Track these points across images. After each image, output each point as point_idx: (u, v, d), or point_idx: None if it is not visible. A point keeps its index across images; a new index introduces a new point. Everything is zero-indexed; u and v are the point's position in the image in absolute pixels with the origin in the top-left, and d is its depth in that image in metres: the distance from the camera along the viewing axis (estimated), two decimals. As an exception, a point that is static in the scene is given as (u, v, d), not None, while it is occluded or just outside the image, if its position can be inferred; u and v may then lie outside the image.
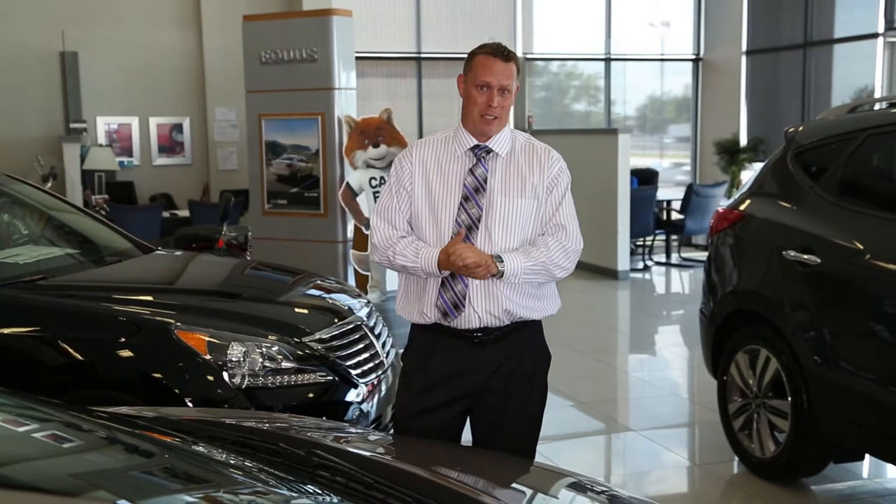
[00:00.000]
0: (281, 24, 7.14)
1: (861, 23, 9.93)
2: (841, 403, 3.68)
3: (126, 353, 3.45)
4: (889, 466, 4.24)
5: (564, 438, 4.80)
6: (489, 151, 2.76)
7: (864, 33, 9.86)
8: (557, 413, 4.83)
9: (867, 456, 4.11)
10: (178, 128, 10.74)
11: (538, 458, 2.89)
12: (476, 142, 2.75)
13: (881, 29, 9.63)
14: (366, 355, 3.80)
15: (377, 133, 6.63)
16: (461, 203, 2.71)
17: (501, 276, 2.65)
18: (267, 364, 3.43)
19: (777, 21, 11.21)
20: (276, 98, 6.97)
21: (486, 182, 2.73)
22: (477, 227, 2.70)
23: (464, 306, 2.70)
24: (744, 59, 11.56)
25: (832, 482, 4.17)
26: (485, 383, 2.75)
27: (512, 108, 2.85)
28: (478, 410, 2.80)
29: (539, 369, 2.85)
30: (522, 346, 2.80)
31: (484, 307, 2.71)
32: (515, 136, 2.83)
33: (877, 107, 4.32)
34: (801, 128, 4.36)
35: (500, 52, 2.71)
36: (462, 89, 2.78)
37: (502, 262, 2.65)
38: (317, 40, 6.80)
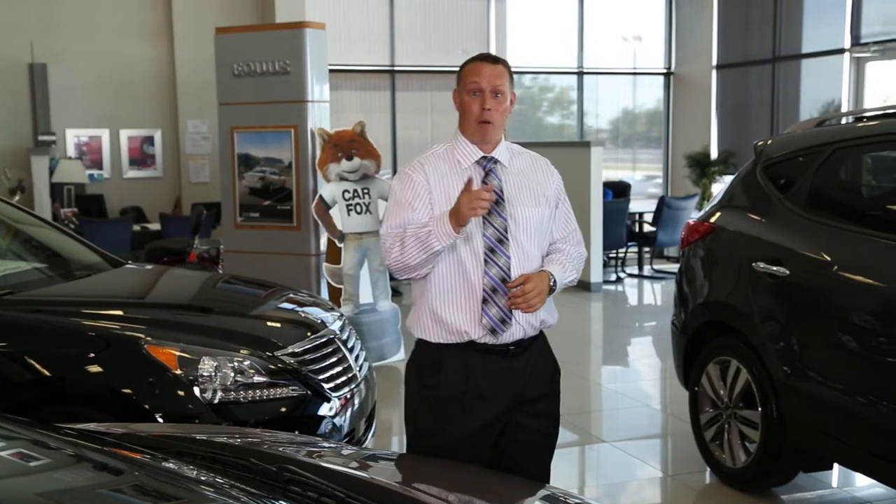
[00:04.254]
0: (254, 37, 7.12)
1: (828, 38, 10.08)
2: (809, 413, 3.72)
3: (95, 369, 3.41)
4: (857, 475, 4.29)
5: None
6: (496, 161, 2.74)
7: (831, 49, 10.01)
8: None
9: (835, 465, 4.15)
10: (150, 140, 10.66)
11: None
12: (482, 153, 2.73)
13: (847, 45, 9.78)
14: (339, 369, 3.78)
15: (350, 146, 6.62)
16: (484, 217, 2.65)
17: (552, 293, 2.69)
18: (239, 378, 3.41)
19: (746, 36, 11.35)
20: (248, 110, 6.95)
21: (502, 192, 2.71)
22: (507, 240, 2.68)
23: (510, 320, 2.68)
24: (714, 73, 11.69)
25: (802, 491, 4.21)
26: (521, 393, 2.74)
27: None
28: (512, 423, 2.76)
29: (556, 374, 2.88)
30: (544, 353, 2.83)
31: (525, 318, 2.71)
32: (512, 146, 2.84)
33: (843, 121, 4.38)
34: (769, 141, 4.42)
35: (487, 57, 2.74)
36: (457, 102, 2.77)
37: (554, 280, 2.69)
38: (290, 53, 6.79)
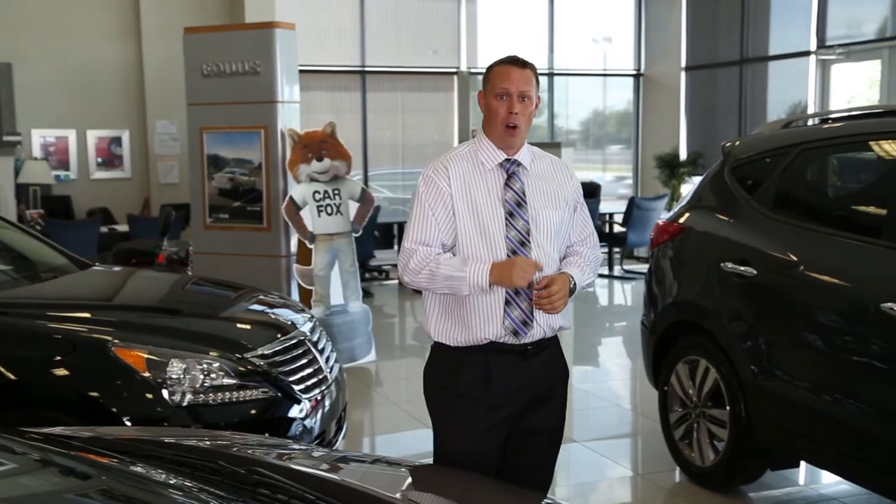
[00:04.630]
0: (223, 37, 7.07)
1: (794, 41, 10.20)
2: (777, 412, 3.76)
3: (62, 372, 3.38)
4: (824, 473, 4.34)
5: (509, 451, 4.81)
6: (519, 164, 2.75)
7: (797, 51, 10.12)
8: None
9: (802, 463, 4.20)
10: (117, 141, 10.55)
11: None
12: (505, 156, 2.73)
13: (813, 47, 9.90)
14: (309, 370, 3.77)
15: (321, 147, 6.60)
16: (507, 219, 2.68)
17: (572, 294, 2.71)
18: (208, 381, 3.39)
19: (714, 38, 11.45)
20: (217, 111, 6.90)
21: (525, 195, 2.72)
22: (528, 242, 2.69)
23: (532, 322, 2.70)
24: (683, 74, 11.79)
25: (769, 489, 4.26)
26: (536, 393, 2.77)
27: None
28: (523, 423, 2.78)
29: (566, 376, 2.91)
30: (559, 355, 2.86)
31: (545, 321, 2.72)
32: (532, 149, 2.84)
33: (810, 122, 4.43)
34: (737, 142, 4.46)
35: (516, 61, 2.72)
36: (483, 104, 2.76)
37: (574, 282, 2.71)
38: (259, 53, 6.75)
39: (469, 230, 2.69)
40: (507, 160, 2.73)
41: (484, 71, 2.81)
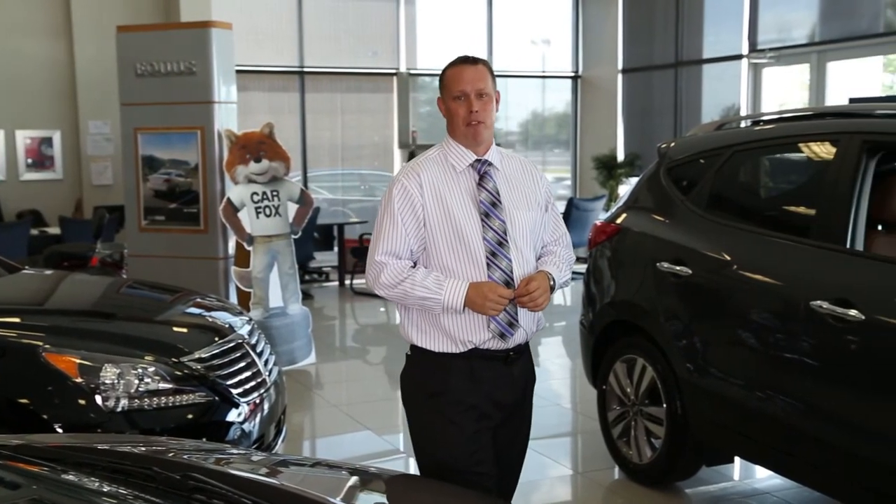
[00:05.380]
0: (157, 36, 6.95)
1: (727, 45, 10.41)
2: (711, 408, 3.83)
3: (-10, 379, 3.28)
4: (757, 468, 4.43)
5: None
6: (490, 164, 2.72)
7: (730, 54, 10.34)
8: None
9: (737, 458, 4.29)
10: (48, 141, 10.30)
11: (417, 471, 2.90)
12: (475, 156, 2.70)
13: (745, 51, 10.12)
14: (247, 374, 3.73)
15: (259, 147, 6.53)
16: (482, 221, 2.65)
17: (552, 291, 2.71)
18: (143, 385, 3.33)
19: (650, 41, 11.64)
20: (152, 111, 6.78)
21: (499, 194, 2.69)
22: (506, 243, 2.66)
23: (518, 322, 2.69)
24: (620, 77, 11.95)
25: (705, 484, 4.34)
26: (518, 398, 2.78)
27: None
28: (503, 428, 2.77)
29: (535, 379, 2.91)
30: (530, 358, 2.87)
31: (527, 323, 2.73)
32: (499, 150, 2.82)
33: (742, 124, 4.53)
34: (672, 144, 4.53)
35: (467, 59, 2.70)
36: (443, 110, 2.73)
37: (553, 279, 2.71)
38: (195, 53, 6.66)
39: (446, 236, 2.64)
40: (478, 160, 2.70)
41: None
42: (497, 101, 2.73)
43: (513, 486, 2.93)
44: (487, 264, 2.64)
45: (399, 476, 2.59)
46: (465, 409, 2.67)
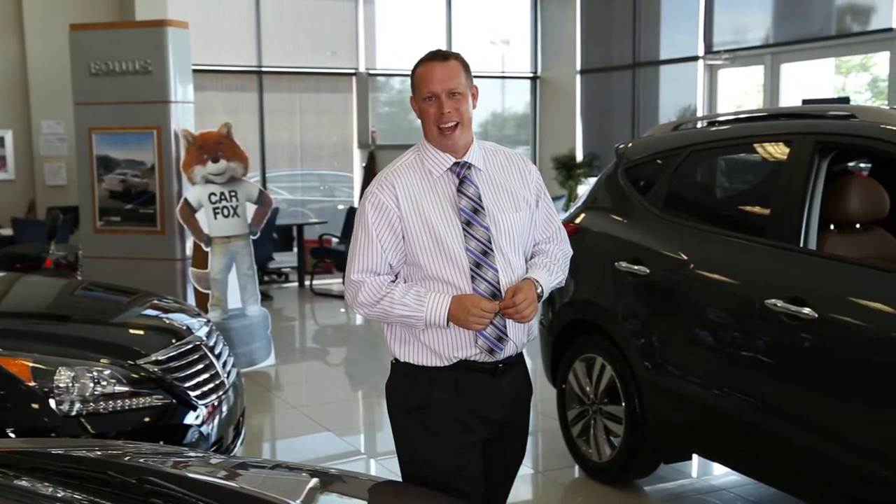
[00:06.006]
0: (112, 34, 6.86)
1: (683, 46, 10.53)
2: (669, 407, 3.87)
3: (-61, 383, 3.21)
4: (715, 465, 4.49)
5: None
6: (471, 166, 2.55)
7: (686, 56, 10.46)
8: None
9: (694, 456, 4.34)
10: (0, 141, 10.10)
11: (392, 476, 2.89)
12: (453, 159, 2.53)
13: (701, 52, 10.24)
14: (205, 376, 3.69)
15: (216, 148, 6.47)
16: (464, 229, 2.48)
17: (540, 300, 2.54)
18: (98, 389, 3.28)
19: (608, 42, 11.72)
20: (107, 111, 6.69)
21: (481, 200, 2.52)
22: (491, 251, 2.50)
23: (507, 336, 2.53)
24: (578, 77, 12.02)
25: (663, 482, 4.38)
26: (507, 411, 2.62)
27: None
28: (494, 442, 2.64)
29: (531, 392, 2.76)
30: (525, 372, 2.71)
31: (516, 335, 2.57)
32: (483, 146, 2.64)
33: (698, 125, 4.58)
34: (630, 144, 4.57)
35: (437, 55, 2.53)
36: (416, 109, 2.56)
37: (540, 287, 2.53)
38: (151, 52, 6.59)
39: (426, 248, 2.49)
40: (457, 163, 2.53)
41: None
42: (475, 97, 2.57)
43: (504, 498, 2.80)
44: (472, 276, 2.48)
45: (385, 483, 2.55)
46: (449, 423, 2.53)
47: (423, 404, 2.55)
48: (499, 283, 2.50)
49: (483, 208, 2.52)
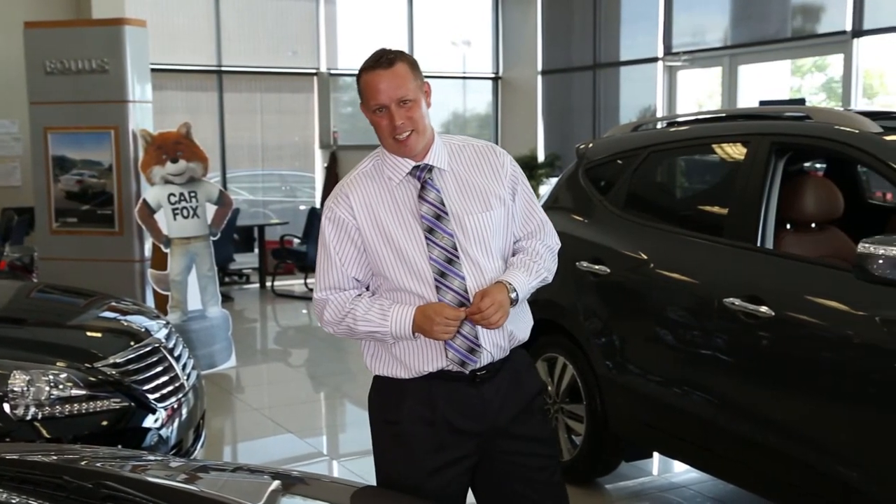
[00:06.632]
0: (68, 33, 6.76)
1: (643, 48, 10.63)
2: (630, 405, 3.90)
3: None
4: (675, 462, 4.53)
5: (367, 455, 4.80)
6: (432, 169, 2.39)
7: (646, 57, 10.56)
8: (360, 432, 4.83)
9: (655, 453, 4.37)
10: (-47, 141, 9.90)
11: (354, 477, 2.87)
12: (413, 162, 2.37)
13: (660, 54, 10.35)
14: (164, 378, 3.65)
15: (175, 148, 6.41)
16: (427, 238, 2.34)
17: (515, 304, 2.37)
18: (55, 392, 3.23)
19: (569, 43, 11.80)
20: (63, 110, 6.60)
21: (443, 205, 2.37)
22: (457, 258, 2.34)
23: (480, 347, 2.37)
24: (539, 78, 12.08)
25: (625, 479, 4.41)
26: (496, 421, 2.42)
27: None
28: (496, 453, 2.46)
29: (538, 392, 2.57)
30: (520, 373, 2.50)
31: (492, 342, 2.39)
32: (449, 142, 2.48)
33: (658, 125, 4.62)
34: (590, 144, 4.59)
35: (380, 61, 2.32)
36: (368, 119, 2.39)
37: (514, 289, 2.35)
38: (108, 50, 6.50)
39: (387, 260, 2.36)
40: (417, 167, 2.38)
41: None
42: (428, 95, 2.40)
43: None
44: (437, 287, 2.34)
45: (366, 488, 2.52)
46: (421, 437, 2.40)
47: (395, 418, 2.44)
48: (466, 291, 2.35)
49: (447, 213, 2.37)
